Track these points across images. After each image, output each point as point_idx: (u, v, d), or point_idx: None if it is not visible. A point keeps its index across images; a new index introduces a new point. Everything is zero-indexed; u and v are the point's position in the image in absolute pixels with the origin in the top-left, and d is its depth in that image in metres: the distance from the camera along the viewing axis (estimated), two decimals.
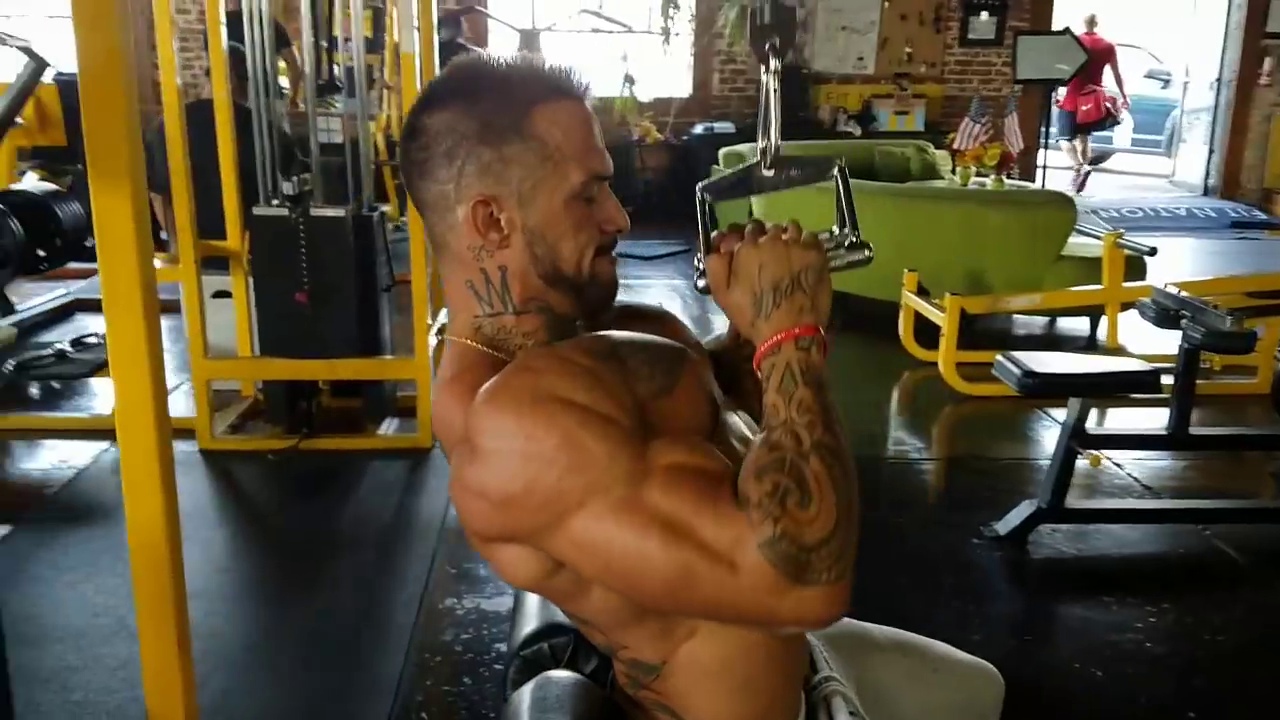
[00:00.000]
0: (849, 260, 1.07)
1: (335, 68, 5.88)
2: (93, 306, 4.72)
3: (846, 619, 1.35)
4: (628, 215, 1.07)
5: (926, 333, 4.55)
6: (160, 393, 1.42)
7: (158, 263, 4.20)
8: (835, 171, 1.09)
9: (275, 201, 3.42)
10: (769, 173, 1.10)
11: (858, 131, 8.61)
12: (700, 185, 1.10)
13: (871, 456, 3.70)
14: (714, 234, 1.06)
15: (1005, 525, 2.97)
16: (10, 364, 3.76)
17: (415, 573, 2.75)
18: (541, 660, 1.26)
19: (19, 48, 4.06)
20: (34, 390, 4.12)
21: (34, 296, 4.56)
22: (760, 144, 1.10)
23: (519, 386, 0.94)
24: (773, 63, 1.07)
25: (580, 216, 1.03)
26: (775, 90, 1.09)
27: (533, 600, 1.32)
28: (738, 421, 1.11)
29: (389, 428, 3.74)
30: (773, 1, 1.06)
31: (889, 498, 3.34)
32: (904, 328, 4.74)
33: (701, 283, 1.05)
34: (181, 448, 3.54)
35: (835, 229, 1.08)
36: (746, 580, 0.87)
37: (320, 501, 3.32)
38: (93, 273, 5.45)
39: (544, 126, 1.01)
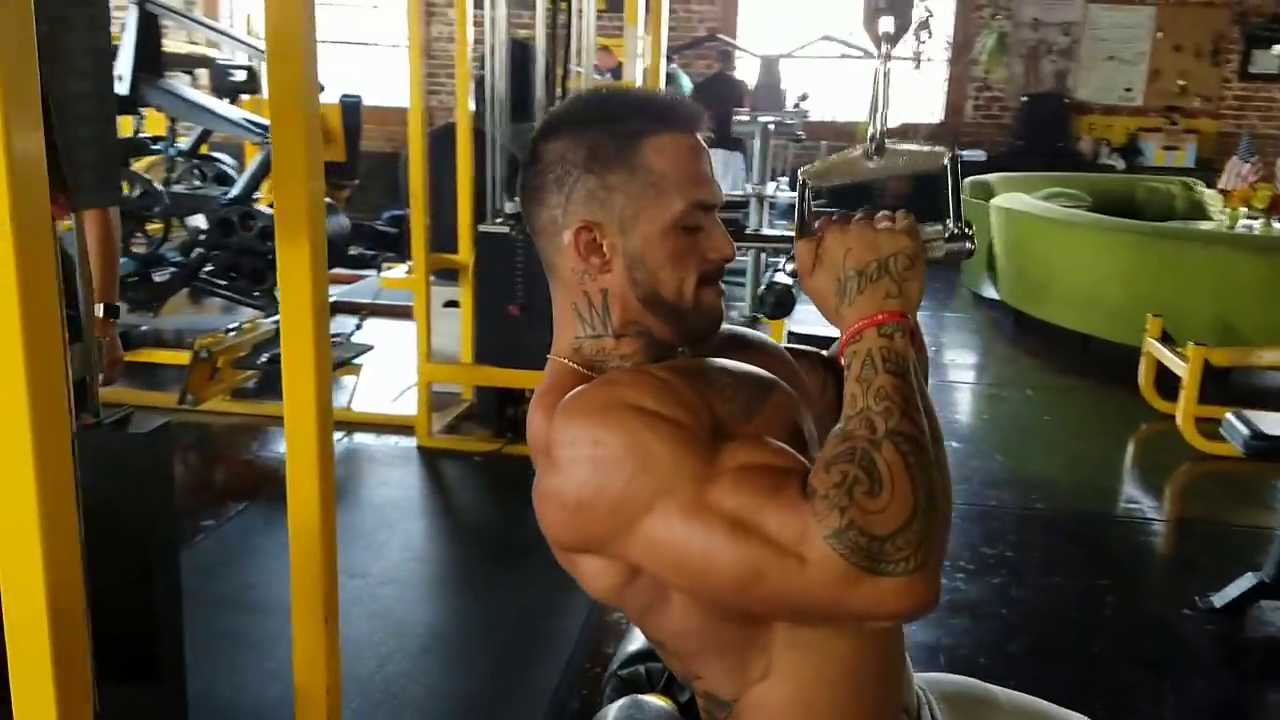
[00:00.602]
0: (948, 250, 1.03)
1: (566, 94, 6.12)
2: (348, 309, 5.12)
3: (970, 678, 1.30)
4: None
5: (1170, 382, 4.21)
6: (325, 400, 1.55)
7: (401, 271, 4.56)
8: (945, 161, 1.05)
9: (499, 220, 3.62)
10: (876, 159, 1.08)
11: (1121, 165, 8.11)
12: (802, 170, 1.09)
13: (1100, 513, 3.49)
14: (818, 222, 1.04)
15: (1222, 597, 2.72)
16: (265, 357, 4.14)
17: None
18: (637, 682, 1.26)
19: None
20: None
21: None
22: (868, 130, 1.07)
23: (592, 396, 0.97)
24: (884, 47, 1.05)
25: (682, 245, 1.04)
26: (885, 75, 1.06)
27: None
28: None
29: None
30: None
31: (1106, 556, 3.13)
32: (1144, 376, 4.42)
33: (789, 267, 1.03)
34: (403, 443, 3.82)
35: (948, 221, 1.05)
36: (815, 573, 0.85)
37: (514, 504, 3.44)
38: (351, 279, 5.93)
39: (650, 157, 1.03)
